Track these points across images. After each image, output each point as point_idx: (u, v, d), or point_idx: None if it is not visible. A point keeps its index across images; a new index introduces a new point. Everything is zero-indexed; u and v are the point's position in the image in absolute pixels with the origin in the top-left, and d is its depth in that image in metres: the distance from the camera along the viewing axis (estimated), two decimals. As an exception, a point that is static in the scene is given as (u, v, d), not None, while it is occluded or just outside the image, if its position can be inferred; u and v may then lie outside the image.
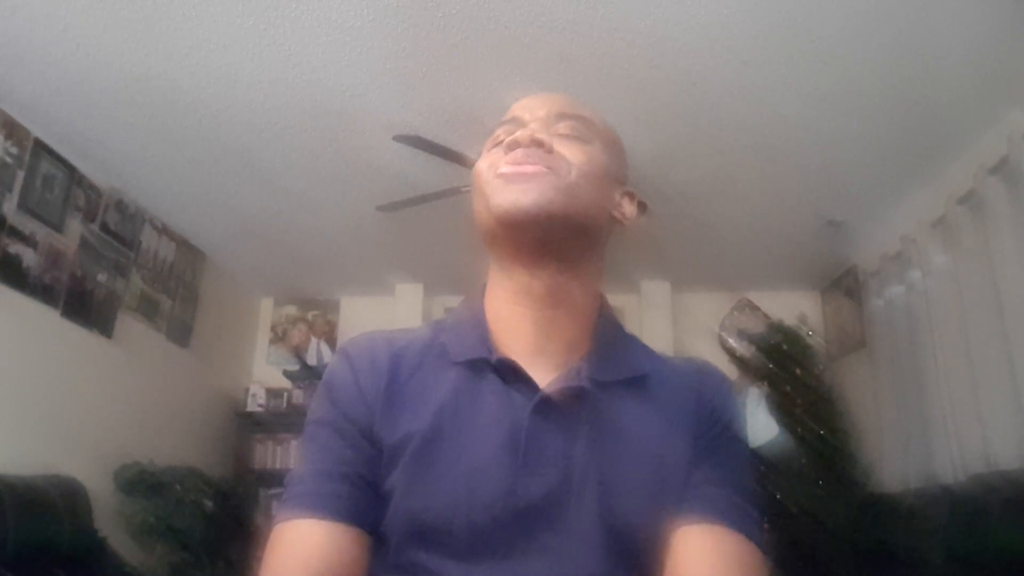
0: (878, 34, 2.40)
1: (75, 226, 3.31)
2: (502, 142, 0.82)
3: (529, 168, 0.77)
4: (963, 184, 3.01)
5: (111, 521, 3.16)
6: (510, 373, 0.78)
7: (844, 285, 4.36)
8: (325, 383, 0.81)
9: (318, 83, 2.73)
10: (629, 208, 0.88)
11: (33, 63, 2.63)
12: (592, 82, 2.65)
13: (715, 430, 0.80)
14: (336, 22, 2.40)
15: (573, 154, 0.80)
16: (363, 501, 0.74)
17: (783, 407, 3.68)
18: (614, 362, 0.81)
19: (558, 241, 0.79)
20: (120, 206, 3.62)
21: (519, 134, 0.80)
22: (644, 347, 0.88)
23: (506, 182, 0.78)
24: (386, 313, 4.73)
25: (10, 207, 2.93)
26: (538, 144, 0.79)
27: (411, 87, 2.75)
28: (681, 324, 4.66)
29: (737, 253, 4.25)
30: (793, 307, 4.42)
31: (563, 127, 0.82)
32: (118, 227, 3.61)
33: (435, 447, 0.74)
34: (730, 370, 3.77)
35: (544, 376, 0.78)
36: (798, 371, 3.85)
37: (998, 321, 2.75)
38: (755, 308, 4.60)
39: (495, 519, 0.71)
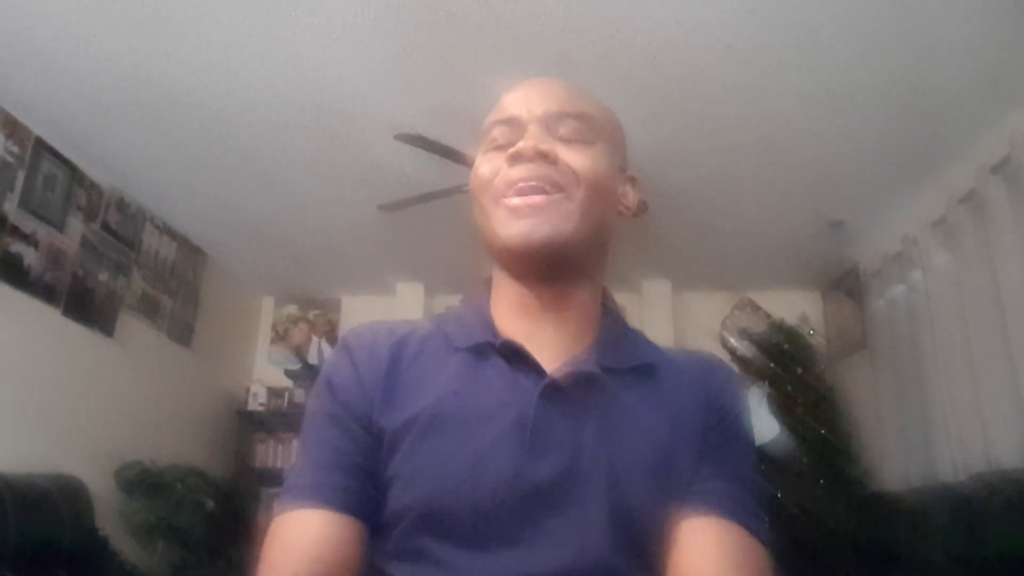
0: (879, 34, 2.40)
1: (76, 225, 3.31)
2: (501, 146, 0.80)
3: (537, 199, 0.76)
4: (964, 184, 3.00)
5: (112, 520, 3.17)
6: (516, 357, 0.77)
7: (845, 285, 4.36)
8: (324, 374, 0.81)
9: (319, 82, 2.73)
10: (632, 196, 0.87)
11: (34, 62, 2.63)
12: (593, 81, 2.64)
13: (723, 424, 0.79)
14: (337, 22, 2.40)
15: (579, 163, 0.78)
16: (361, 492, 0.74)
17: (784, 407, 3.67)
18: (621, 351, 0.81)
19: (571, 262, 0.79)
20: (121, 205, 3.62)
21: (522, 146, 0.78)
22: (648, 341, 0.87)
23: (516, 216, 0.76)
24: (387, 312, 4.72)
25: (11, 206, 2.93)
26: (543, 156, 0.77)
27: (412, 86, 2.75)
28: (682, 323, 4.66)
29: (738, 253, 4.25)
30: (794, 307, 4.41)
31: (565, 130, 0.80)
32: (119, 226, 3.61)
33: (438, 431, 0.73)
34: (731, 370, 3.76)
35: (549, 363, 0.77)
36: (799, 371, 3.85)
37: (999, 321, 2.75)
38: (756, 308, 4.59)
39: (501, 503, 0.70)
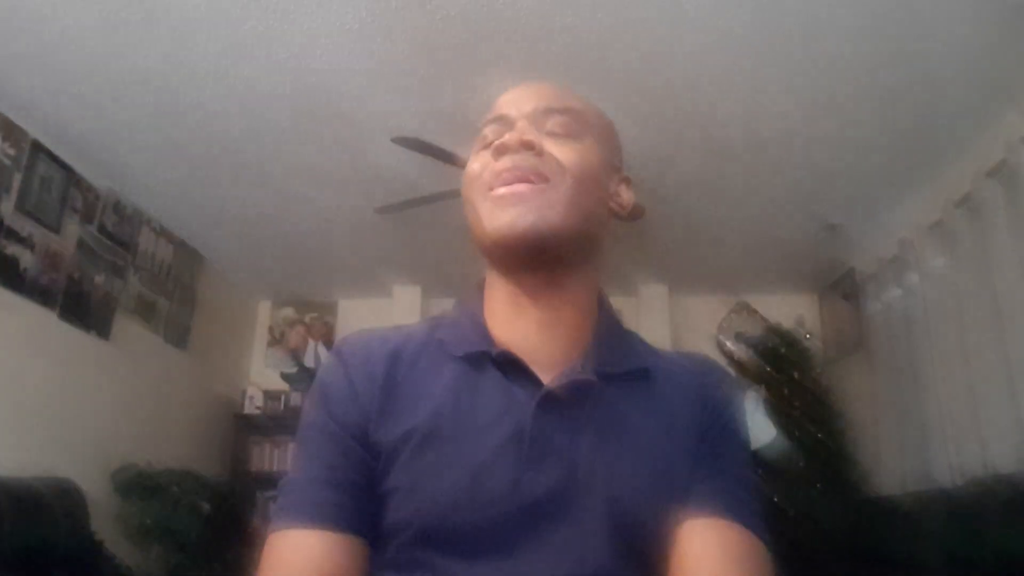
0: (876, 38, 2.41)
1: (72, 228, 3.30)
2: (491, 144, 0.80)
3: (522, 187, 0.75)
4: (961, 187, 3.01)
5: (108, 523, 3.15)
6: (512, 367, 0.77)
7: (842, 288, 4.36)
8: (317, 385, 0.80)
9: (317, 85, 2.73)
10: (627, 196, 0.87)
11: (31, 64, 2.63)
12: (590, 84, 2.65)
13: (719, 424, 0.79)
14: (336, 24, 2.40)
15: (565, 155, 0.78)
16: (356, 507, 0.73)
17: (781, 410, 3.67)
18: (617, 355, 0.81)
19: (557, 252, 0.78)
20: (118, 207, 3.62)
21: (507, 137, 0.78)
22: (644, 342, 0.87)
23: (500, 205, 0.76)
24: (384, 315, 4.72)
25: (7, 208, 2.92)
26: (528, 147, 0.77)
27: (410, 89, 2.75)
28: (679, 327, 4.66)
29: (735, 256, 4.26)
30: (791, 310, 4.42)
31: (552, 124, 0.80)
32: (115, 229, 3.60)
33: (436, 443, 0.73)
34: (728, 373, 3.77)
35: (545, 370, 0.77)
36: (796, 374, 3.85)
37: (995, 324, 2.76)
38: (753, 311, 4.59)
39: (499, 515, 0.70)
